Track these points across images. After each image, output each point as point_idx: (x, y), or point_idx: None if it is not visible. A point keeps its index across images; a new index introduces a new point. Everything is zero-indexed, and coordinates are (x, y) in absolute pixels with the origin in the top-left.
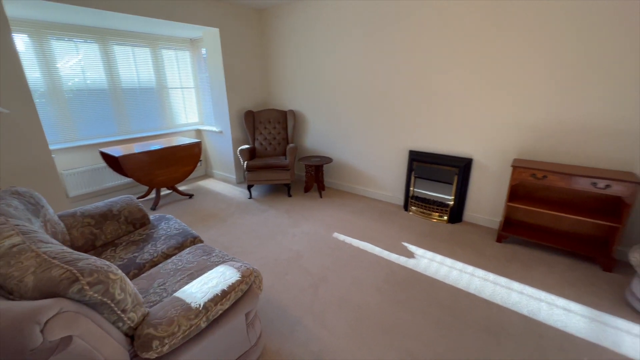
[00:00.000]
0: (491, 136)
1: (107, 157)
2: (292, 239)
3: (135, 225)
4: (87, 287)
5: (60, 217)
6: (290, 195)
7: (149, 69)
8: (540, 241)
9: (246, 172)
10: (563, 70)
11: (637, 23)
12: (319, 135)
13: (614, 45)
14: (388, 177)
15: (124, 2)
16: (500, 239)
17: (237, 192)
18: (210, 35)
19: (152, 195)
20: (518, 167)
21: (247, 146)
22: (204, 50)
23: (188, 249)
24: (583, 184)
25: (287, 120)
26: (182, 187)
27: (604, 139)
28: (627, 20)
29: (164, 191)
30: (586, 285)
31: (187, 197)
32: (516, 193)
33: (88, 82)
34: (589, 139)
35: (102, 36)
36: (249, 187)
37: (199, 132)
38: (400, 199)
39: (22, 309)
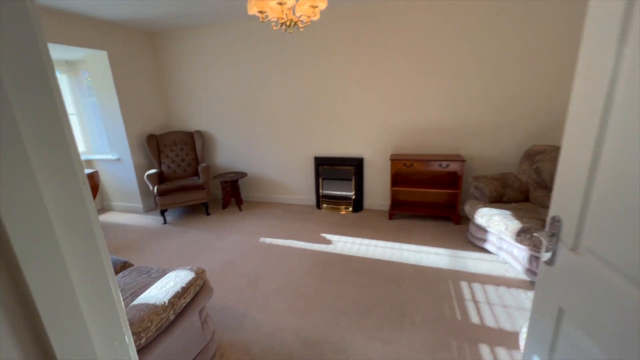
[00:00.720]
0: (374, 138)
1: None
2: (221, 251)
3: None
4: None
5: None
6: (208, 214)
7: None
8: (416, 212)
9: (157, 197)
10: (412, 90)
11: (451, 56)
12: (231, 152)
13: (440, 73)
14: (300, 183)
15: None
16: (391, 216)
17: (148, 220)
18: (95, 58)
19: None
20: (394, 159)
21: (154, 170)
22: (85, 74)
23: (120, 273)
24: (434, 166)
25: (194, 141)
26: None
27: (443, 134)
28: (444, 53)
29: None
30: (446, 236)
31: None
32: (396, 180)
33: None
34: (435, 135)
35: None
36: (163, 212)
37: (89, 162)
38: (312, 199)
39: None
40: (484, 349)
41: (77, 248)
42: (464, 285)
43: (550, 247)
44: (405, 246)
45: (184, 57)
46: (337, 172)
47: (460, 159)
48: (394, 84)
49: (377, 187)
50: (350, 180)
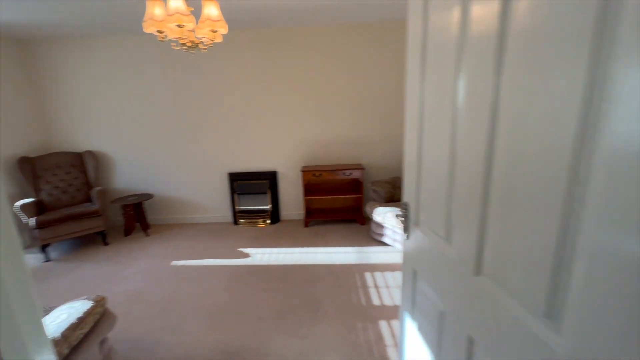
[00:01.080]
0: (286, 152)
1: None
2: (126, 281)
3: None
4: None
5: None
6: (107, 244)
7: None
8: (329, 218)
9: (36, 231)
10: (316, 107)
11: (344, 78)
12: (133, 173)
13: (336, 92)
14: (214, 200)
15: None
16: (306, 224)
17: None
18: None
19: None
20: (305, 171)
21: (30, 199)
22: None
23: None
24: (340, 175)
25: (84, 163)
26: None
27: (346, 146)
28: (338, 75)
29: None
30: (354, 236)
31: None
32: (308, 189)
33: None
34: (339, 147)
35: None
36: (44, 248)
37: None
38: (229, 216)
39: None
40: (383, 324)
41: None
42: (368, 275)
43: (405, 225)
44: (320, 249)
45: (68, 69)
46: (252, 186)
47: (360, 167)
48: (300, 103)
49: (292, 198)
50: (266, 193)
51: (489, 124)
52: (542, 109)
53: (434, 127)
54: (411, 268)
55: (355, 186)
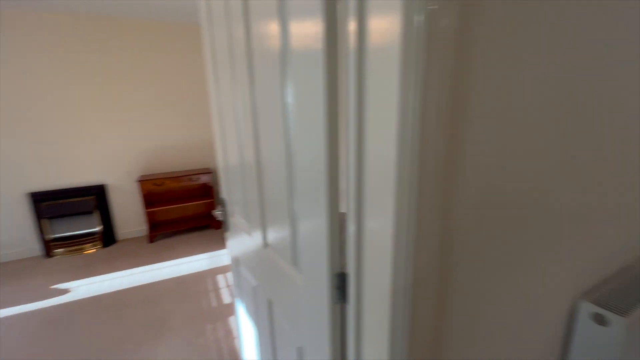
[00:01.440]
0: (117, 161)
1: None
2: None
3: None
4: None
5: None
6: None
7: None
8: (179, 228)
9: None
10: (155, 113)
11: (181, 82)
12: None
13: (175, 96)
14: (8, 231)
15: None
16: (151, 239)
17: None
18: None
19: None
20: (142, 180)
21: None
22: None
23: None
24: (186, 181)
25: None
26: None
27: (193, 151)
28: (176, 78)
29: None
30: (208, 242)
31: None
32: (150, 200)
33: None
34: (183, 152)
35: None
36: None
37: None
38: (35, 248)
39: None
40: (233, 319)
41: None
42: (220, 277)
43: (224, 219)
44: (166, 264)
45: None
46: (71, 206)
47: (208, 171)
48: (130, 106)
49: (131, 213)
50: (92, 212)
51: (253, 129)
52: (268, 115)
53: (228, 128)
54: (234, 257)
55: (206, 191)
